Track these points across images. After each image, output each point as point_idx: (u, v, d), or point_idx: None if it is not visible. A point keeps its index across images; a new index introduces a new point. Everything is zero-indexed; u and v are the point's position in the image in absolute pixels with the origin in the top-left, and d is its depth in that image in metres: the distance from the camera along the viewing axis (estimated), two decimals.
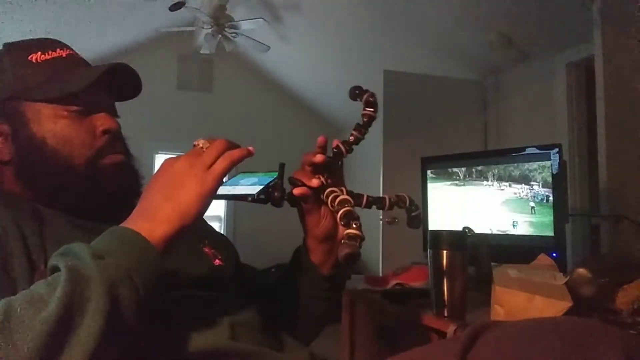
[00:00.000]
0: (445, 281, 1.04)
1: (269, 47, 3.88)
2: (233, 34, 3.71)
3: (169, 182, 0.57)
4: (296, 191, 0.67)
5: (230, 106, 4.99)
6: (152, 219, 0.54)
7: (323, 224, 0.72)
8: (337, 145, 0.70)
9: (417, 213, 0.73)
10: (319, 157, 0.68)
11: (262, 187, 0.63)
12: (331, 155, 0.70)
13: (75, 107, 0.68)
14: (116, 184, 0.70)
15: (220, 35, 3.68)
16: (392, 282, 1.40)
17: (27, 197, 0.67)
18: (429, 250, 1.07)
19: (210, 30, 3.64)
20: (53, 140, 0.66)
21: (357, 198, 0.70)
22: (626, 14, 2.16)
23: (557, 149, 1.37)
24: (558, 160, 1.36)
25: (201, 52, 3.90)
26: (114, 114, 0.74)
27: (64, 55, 0.71)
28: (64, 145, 0.67)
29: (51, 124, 0.67)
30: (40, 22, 3.38)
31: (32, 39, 0.73)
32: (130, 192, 0.71)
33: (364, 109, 0.71)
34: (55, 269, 0.48)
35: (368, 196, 0.72)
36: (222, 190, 0.63)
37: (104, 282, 0.46)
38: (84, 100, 0.68)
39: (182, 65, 4.90)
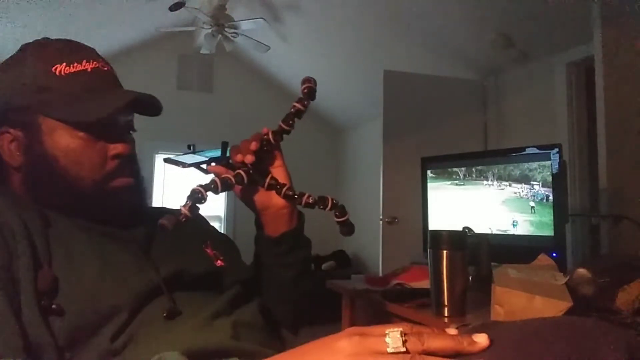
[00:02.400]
0: (445, 281, 1.04)
1: (269, 47, 3.88)
2: (233, 34, 3.71)
3: None
4: (210, 168, 0.74)
5: (230, 106, 4.99)
6: None
7: (255, 198, 0.76)
8: (267, 134, 0.73)
9: (343, 219, 0.72)
10: (248, 158, 0.71)
11: (206, 159, 0.72)
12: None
13: (90, 131, 0.67)
14: (122, 205, 0.70)
15: (220, 35, 3.68)
16: (392, 282, 1.40)
17: (33, 201, 0.67)
18: (429, 250, 1.07)
19: (210, 30, 3.64)
20: (64, 159, 0.66)
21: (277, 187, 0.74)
22: (626, 14, 2.16)
23: (557, 149, 1.37)
24: (558, 160, 1.36)
25: (201, 52, 3.90)
26: (129, 128, 0.73)
27: (89, 70, 0.68)
28: (73, 165, 0.66)
29: (65, 143, 0.66)
30: (40, 21, 3.38)
31: (59, 41, 0.71)
32: (136, 211, 0.72)
33: (297, 100, 0.72)
34: None
35: (287, 190, 0.73)
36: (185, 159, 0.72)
37: None
38: (101, 123, 0.67)
39: (182, 65, 4.90)
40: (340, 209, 0.72)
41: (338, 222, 0.73)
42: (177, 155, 0.79)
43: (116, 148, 0.69)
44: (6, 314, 0.52)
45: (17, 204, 0.63)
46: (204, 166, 0.76)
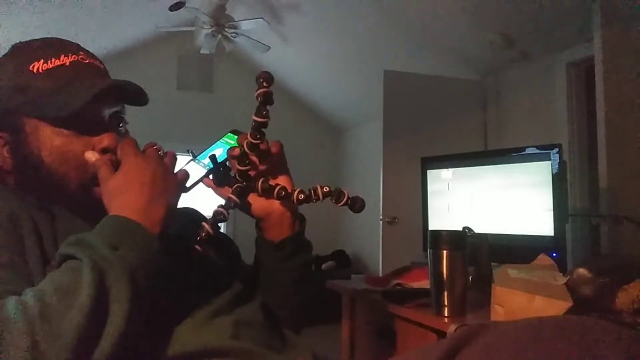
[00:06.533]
0: (445, 281, 1.04)
1: (269, 47, 3.88)
2: (233, 34, 3.71)
3: (160, 179, 0.62)
4: (206, 181, 0.75)
5: (230, 106, 4.98)
6: (148, 216, 0.58)
7: (255, 206, 0.77)
8: (247, 141, 0.70)
9: (343, 202, 0.70)
10: (235, 151, 0.72)
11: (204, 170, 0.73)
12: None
13: (72, 126, 0.65)
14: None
15: (220, 35, 3.68)
16: (392, 282, 1.40)
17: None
18: (429, 250, 1.07)
19: (210, 30, 3.64)
20: (49, 159, 0.64)
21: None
22: (626, 14, 2.16)
23: (557, 149, 1.37)
24: (558, 160, 1.36)
25: (201, 52, 3.90)
26: (119, 120, 0.71)
27: (67, 64, 0.66)
28: (60, 165, 0.64)
29: (48, 141, 0.64)
30: (40, 21, 3.38)
31: (38, 40, 0.70)
32: None
33: (256, 90, 0.67)
34: (68, 257, 0.51)
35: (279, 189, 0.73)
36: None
37: (125, 271, 0.50)
38: (84, 117, 0.65)
39: (182, 65, 4.90)
40: (336, 194, 0.70)
41: (341, 206, 0.71)
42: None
43: (102, 141, 0.66)
44: None
45: (23, 199, 0.63)
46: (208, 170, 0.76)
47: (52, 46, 0.68)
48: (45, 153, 0.64)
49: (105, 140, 0.66)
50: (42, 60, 0.66)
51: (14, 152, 0.66)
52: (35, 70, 0.65)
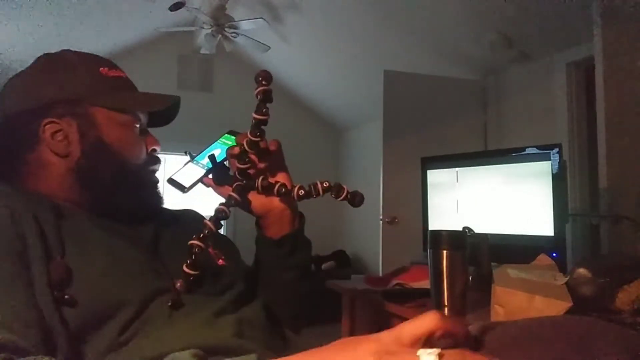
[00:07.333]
0: (445, 281, 1.04)
1: (269, 47, 3.88)
2: (233, 34, 3.71)
3: None
4: (206, 180, 0.78)
5: (230, 106, 4.98)
6: None
7: (255, 204, 0.78)
8: (247, 139, 0.71)
9: (343, 197, 0.70)
10: (235, 149, 0.74)
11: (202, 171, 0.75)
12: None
13: (140, 123, 0.76)
14: (154, 190, 0.78)
15: (220, 35, 3.68)
16: (392, 282, 1.40)
17: (67, 195, 0.70)
18: (429, 250, 1.07)
19: (210, 30, 3.64)
20: (118, 145, 0.73)
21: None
22: (626, 14, 2.16)
23: (557, 149, 1.37)
24: (558, 160, 1.36)
25: (201, 52, 3.91)
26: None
27: (124, 76, 0.78)
28: (123, 150, 0.74)
29: (119, 131, 0.74)
30: (40, 21, 3.38)
31: (90, 53, 0.79)
32: (153, 205, 0.79)
33: (256, 88, 0.68)
34: None
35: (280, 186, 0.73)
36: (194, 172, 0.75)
37: None
38: (140, 119, 0.77)
39: (182, 65, 4.90)
40: (335, 190, 0.71)
41: (341, 200, 0.72)
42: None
43: (153, 143, 0.79)
44: (27, 304, 0.53)
45: (29, 197, 0.64)
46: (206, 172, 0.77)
47: (107, 60, 0.79)
48: (114, 140, 0.73)
49: (152, 141, 0.79)
50: (106, 68, 0.76)
51: (83, 139, 0.72)
52: (104, 74, 0.75)
